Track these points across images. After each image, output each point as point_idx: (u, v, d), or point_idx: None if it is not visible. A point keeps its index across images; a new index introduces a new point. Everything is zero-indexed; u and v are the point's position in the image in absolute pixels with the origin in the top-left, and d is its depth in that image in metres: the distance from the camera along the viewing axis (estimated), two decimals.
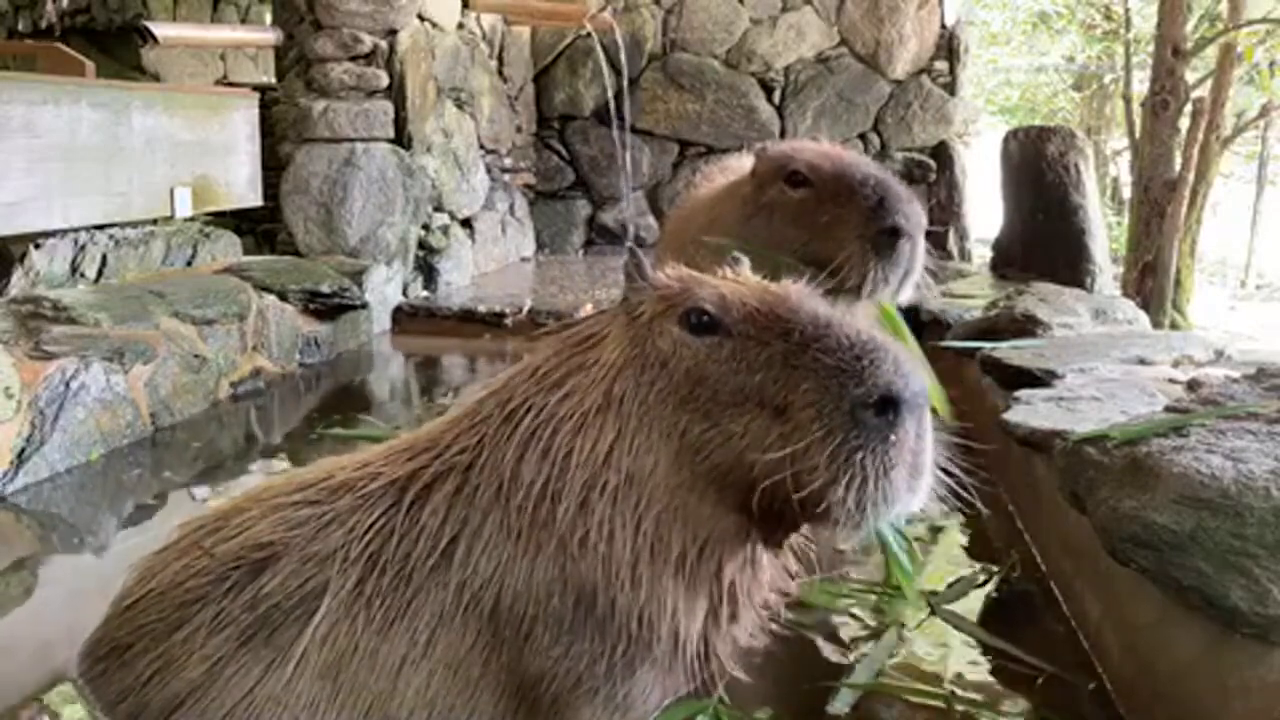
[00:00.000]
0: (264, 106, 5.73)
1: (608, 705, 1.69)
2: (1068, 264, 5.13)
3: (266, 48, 6.93)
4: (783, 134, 7.76)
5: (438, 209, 6.32)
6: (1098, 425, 2.19)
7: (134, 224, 4.76)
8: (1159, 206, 7.96)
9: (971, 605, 2.33)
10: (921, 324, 4.29)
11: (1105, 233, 5.56)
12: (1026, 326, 3.59)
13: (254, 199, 5.63)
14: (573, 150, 8.19)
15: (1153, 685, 1.80)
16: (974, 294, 4.95)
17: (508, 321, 5.49)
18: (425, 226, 6.16)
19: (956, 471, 1.64)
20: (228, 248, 5.25)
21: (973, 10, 8.40)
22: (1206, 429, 1.86)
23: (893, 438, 1.48)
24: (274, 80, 6.58)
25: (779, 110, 7.91)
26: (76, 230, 4.40)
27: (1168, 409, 2.11)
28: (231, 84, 8.13)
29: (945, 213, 7.47)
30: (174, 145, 4.92)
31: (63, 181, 4.23)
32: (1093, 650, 2.10)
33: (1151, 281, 7.99)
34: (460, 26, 6.61)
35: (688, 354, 1.64)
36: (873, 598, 2.33)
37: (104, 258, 4.51)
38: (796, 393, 1.52)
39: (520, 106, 7.83)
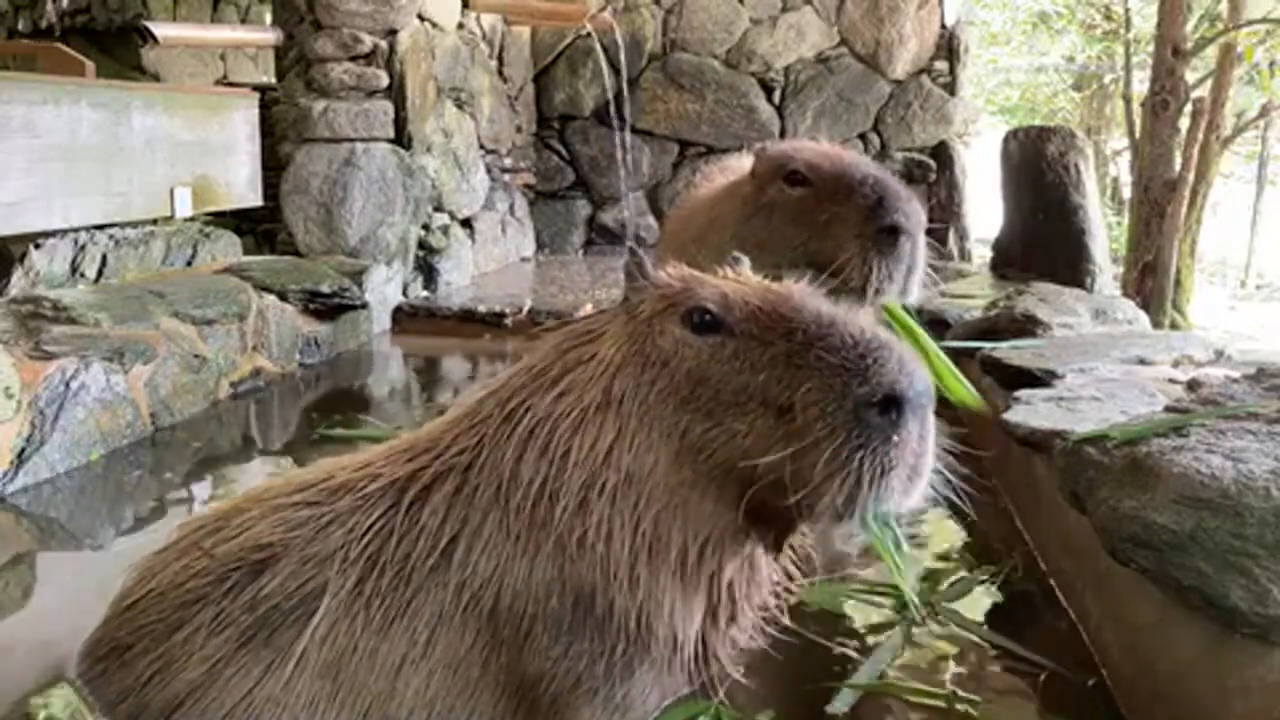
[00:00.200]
0: (264, 106, 5.73)
1: (607, 705, 1.69)
2: (1068, 264, 5.13)
3: (266, 48, 6.93)
4: (783, 134, 7.76)
5: (438, 209, 6.32)
6: (1098, 425, 2.18)
7: (134, 224, 4.76)
8: (1159, 206, 7.96)
9: (972, 605, 2.33)
10: (922, 324, 4.28)
11: (1105, 233, 5.56)
12: (1026, 326, 3.59)
13: (254, 199, 5.63)
14: (573, 150, 8.19)
15: (1153, 685, 1.80)
16: (974, 294, 4.95)
17: (508, 321, 5.49)
18: (425, 226, 6.16)
19: (955, 471, 1.64)
20: (228, 248, 5.25)
21: (973, 10, 8.41)
22: (1206, 429, 1.86)
23: (895, 437, 1.47)
24: (274, 80, 6.58)
25: (779, 110, 7.90)
26: (76, 230, 4.40)
27: (1168, 409, 2.11)
28: (231, 84, 8.13)
29: (945, 213, 7.47)
30: (174, 145, 4.92)
31: (63, 181, 4.23)
32: (1093, 650, 2.10)
33: (1151, 281, 8.00)
34: (460, 26, 6.61)
35: (689, 353, 1.63)
36: (874, 599, 2.33)
37: (104, 258, 4.51)
38: (800, 392, 1.51)
39: (520, 106, 7.83)
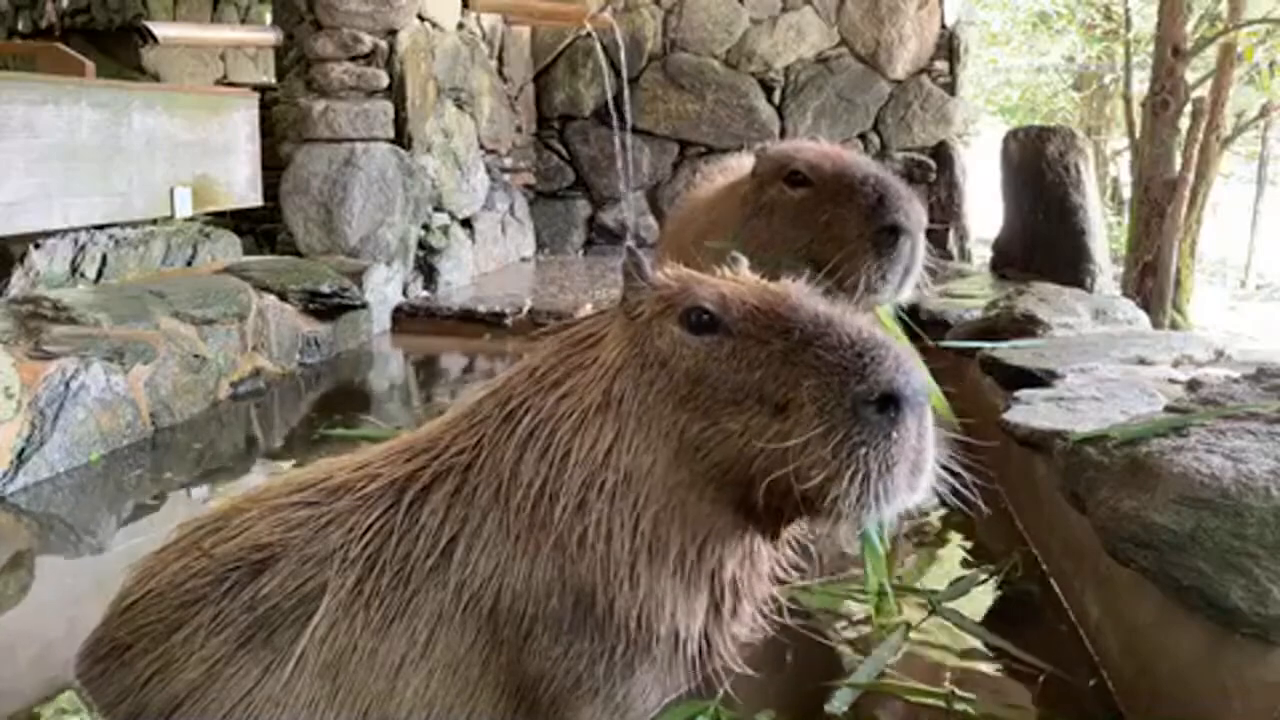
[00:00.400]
0: (264, 106, 5.73)
1: (607, 705, 1.69)
2: (1068, 264, 5.12)
3: (266, 48, 6.94)
4: (783, 134, 7.76)
5: (438, 209, 6.33)
6: (1098, 425, 2.18)
7: (134, 224, 4.76)
8: (1159, 206, 7.95)
9: (972, 605, 2.32)
10: (922, 323, 4.29)
11: (1105, 233, 5.56)
12: (1026, 326, 3.59)
13: (254, 199, 5.63)
14: (573, 150, 8.19)
15: (1153, 685, 1.80)
16: (974, 294, 4.95)
17: (508, 321, 5.49)
18: (425, 226, 6.16)
19: (958, 471, 1.64)
20: (228, 248, 5.25)
21: (973, 10, 8.40)
22: (1206, 429, 1.86)
23: (894, 434, 1.48)
24: (274, 80, 6.58)
25: (779, 110, 7.90)
26: (76, 230, 4.41)
27: (1168, 409, 2.11)
28: (231, 84, 8.14)
29: (945, 212, 7.47)
30: (174, 145, 4.92)
31: (63, 181, 4.24)
32: (1093, 650, 2.10)
33: (1151, 281, 7.99)
34: (460, 26, 6.61)
35: (688, 353, 1.64)
36: (875, 599, 2.33)
37: (104, 258, 4.52)
38: (798, 390, 1.52)
39: (520, 106, 7.83)
